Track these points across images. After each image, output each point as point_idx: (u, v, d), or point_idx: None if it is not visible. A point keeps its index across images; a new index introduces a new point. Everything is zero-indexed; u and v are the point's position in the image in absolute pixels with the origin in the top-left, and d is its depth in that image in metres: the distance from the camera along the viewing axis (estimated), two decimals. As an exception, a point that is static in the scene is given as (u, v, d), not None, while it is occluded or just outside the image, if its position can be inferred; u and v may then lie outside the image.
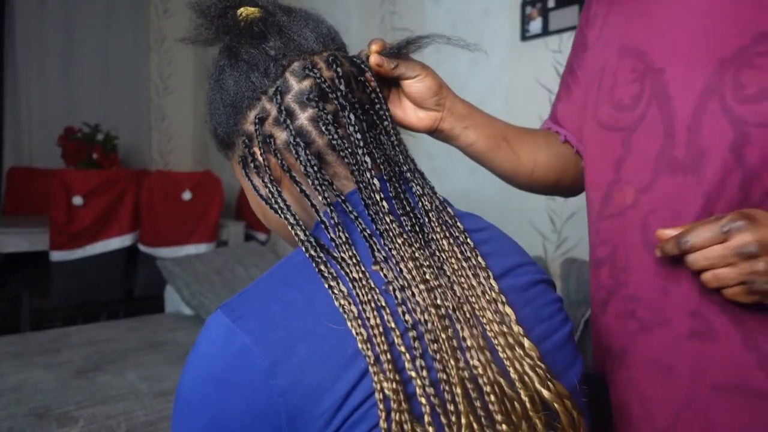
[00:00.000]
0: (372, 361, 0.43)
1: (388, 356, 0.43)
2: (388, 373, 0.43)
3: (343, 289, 0.46)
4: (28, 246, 2.40)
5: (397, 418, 0.41)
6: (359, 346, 0.43)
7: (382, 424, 0.41)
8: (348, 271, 0.47)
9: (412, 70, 0.67)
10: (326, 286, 0.46)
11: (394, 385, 0.42)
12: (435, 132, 0.74)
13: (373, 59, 0.62)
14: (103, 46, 3.46)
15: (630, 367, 0.69)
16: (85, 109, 3.30)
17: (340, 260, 0.48)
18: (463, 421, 0.42)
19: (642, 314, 0.67)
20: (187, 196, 2.66)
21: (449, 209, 0.55)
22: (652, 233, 0.65)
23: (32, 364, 1.64)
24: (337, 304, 0.45)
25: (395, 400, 0.42)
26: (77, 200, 2.37)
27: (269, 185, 0.54)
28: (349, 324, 0.44)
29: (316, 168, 0.52)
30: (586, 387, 0.55)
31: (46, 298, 2.47)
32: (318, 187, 0.52)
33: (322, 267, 0.47)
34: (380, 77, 0.64)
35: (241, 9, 0.56)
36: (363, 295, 0.46)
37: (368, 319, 0.44)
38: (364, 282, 0.46)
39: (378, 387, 0.42)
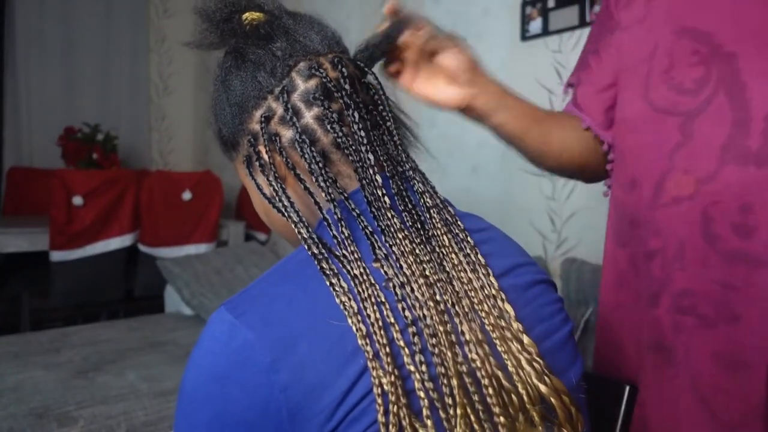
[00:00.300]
0: (371, 356, 0.43)
1: (387, 350, 0.43)
2: (387, 367, 0.43)
3: (344, 285, 0.46)
4: (28, 246, 2.40)
5: (396, 411, 0.42)
6: (359, 341, 0.44)
7: (381, 418, 0.42)
8: (349, 268, 0.47)
9: (449, 41, 0.68)
10: (327, 283, 0.46)
11: (393, 379, 0.42)
12: (466, 110, 0.73)
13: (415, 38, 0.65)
14: (103, 46, 3.46)
15: (682, 362, 0.67)
16: (85, 109, 3.30)
17: (341, 257, 0.48)
18: (459, 411, 0.42)
19: (703, 309, 0.64)
20: (187, 196, 2.66)
21: (450, 208, 0.56)
22: (714, 226, 0.62)
23: (32, 364, 1.64)
24: (337, 300, 0.45)
25: (394, 394, 0.42)
26: (77, 200, 2.38)
27: (274, 183, 0.55)
28: (349, 320, 0.44)
29: (320, 165, 0.53)
30: (585, 385, 0.55)
31: (46, 298, 2.47)
32: (322, 184, 0.52)
33: (324, 264, 0.47)
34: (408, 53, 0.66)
35: (247, 13, 0.57)
36: (363, 292, 0.46)
37: (368, 315, 0.45)
38: (364, 278, 0.47)
39: (377, 382, 0.42)
